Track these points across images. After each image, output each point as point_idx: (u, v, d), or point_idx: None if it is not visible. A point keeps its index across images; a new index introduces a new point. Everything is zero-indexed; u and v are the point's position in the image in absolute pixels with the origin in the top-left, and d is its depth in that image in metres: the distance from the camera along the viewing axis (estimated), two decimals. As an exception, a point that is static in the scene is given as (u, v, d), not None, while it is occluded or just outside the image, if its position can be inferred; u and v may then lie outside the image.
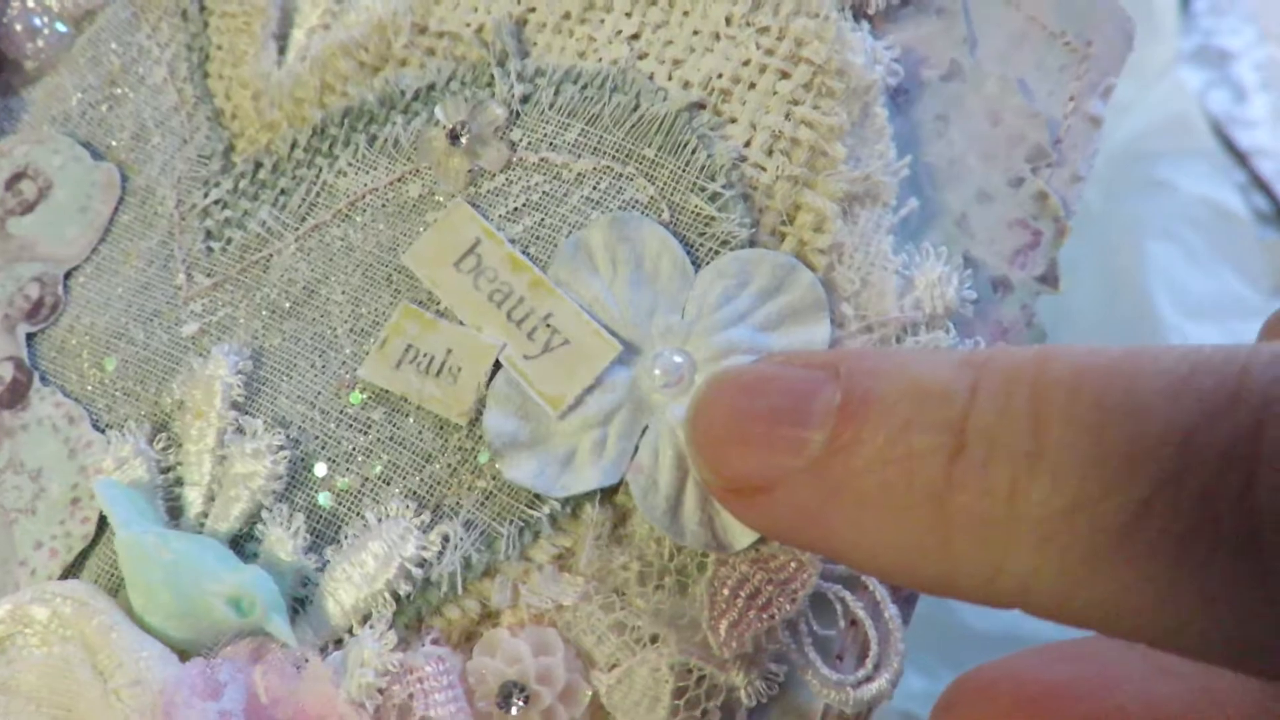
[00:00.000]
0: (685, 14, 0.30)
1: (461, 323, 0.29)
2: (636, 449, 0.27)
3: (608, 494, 0.27)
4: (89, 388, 0.32)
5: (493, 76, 0.31)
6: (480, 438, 0.28)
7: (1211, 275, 0.53)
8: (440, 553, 0.27)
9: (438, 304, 0.30)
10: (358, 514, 0.28)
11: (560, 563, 0.27)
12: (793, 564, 0.27)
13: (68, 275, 0.34)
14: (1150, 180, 0.52)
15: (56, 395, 0.32)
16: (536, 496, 0.27)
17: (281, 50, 0.35)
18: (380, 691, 0.25)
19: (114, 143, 0.35)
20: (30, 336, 0.33)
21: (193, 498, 0.29)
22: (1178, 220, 0.56)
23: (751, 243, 0.28)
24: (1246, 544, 0.17)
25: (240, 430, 0.29)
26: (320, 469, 0.29)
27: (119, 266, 0.33)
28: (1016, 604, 0.20)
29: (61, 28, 0.37)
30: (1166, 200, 0.56)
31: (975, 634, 0.43)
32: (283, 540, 0.28)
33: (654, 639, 0.26)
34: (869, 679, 0.27)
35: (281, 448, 0.29)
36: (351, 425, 0.29)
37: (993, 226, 0.31)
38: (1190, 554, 0.17)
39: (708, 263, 0.28)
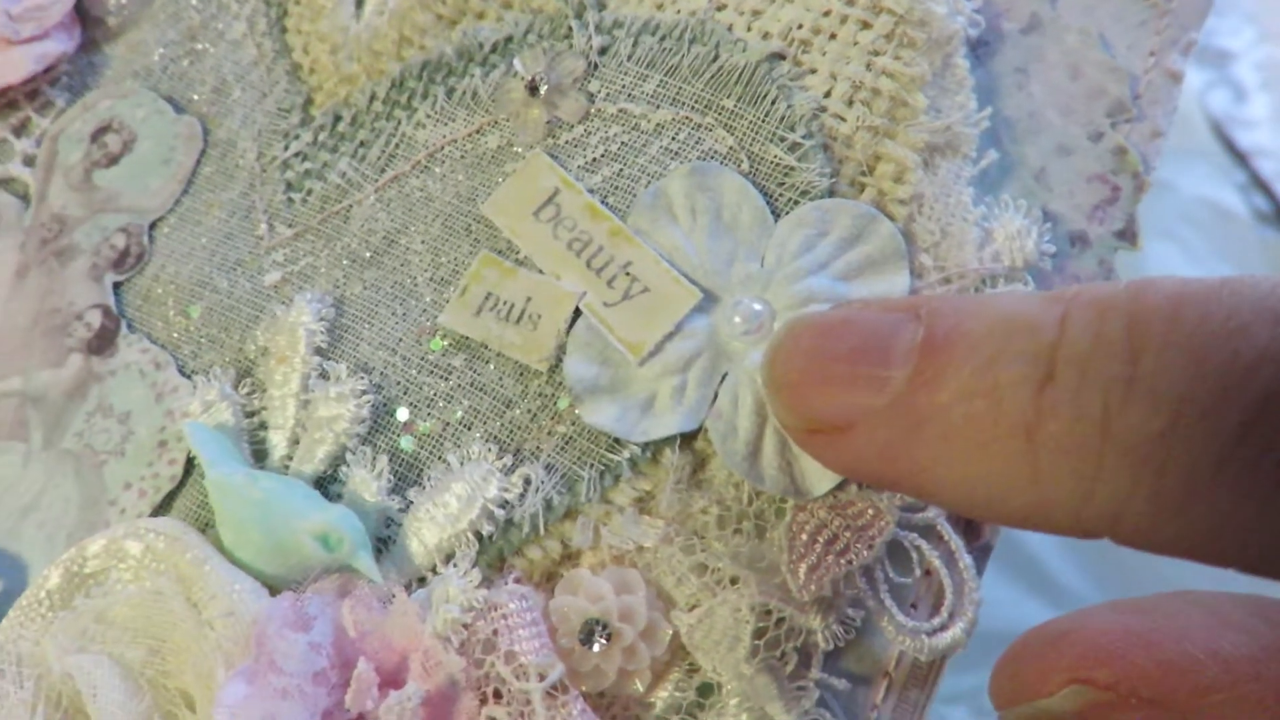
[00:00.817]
0: (765, -35, 0.30)
1: (541, 271, 0.29)
2: (716, 395, 0.27)
3: (687, 439, 0.27)
4: (174, 335, 0.33)
5: (570, 29, 0.32)
6: (560, 384, 0.29)
7: (1211, 275, 0.52)
8: (522, 495, 0.27)
9: (517, 253, 0.30)
10: (439, 457, 0.29)
11: (640, 505, 0.27)
12: (870, 511, 0.27)
13: (152, 226, 0.34)
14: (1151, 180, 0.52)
15: (143, 342, 0.33)
16: (616, 441, 0.28)
17: (359, 4, 0.35)
18: (465, 627, 0.26)
19: (195, 97, 0.36)
20: (116, 285, 0.34)
21: (277, 441, 0.30)
22: (1178, 220, 0.55)
23: (831, 193, 0.28)
24: None
25: (324, 375, 0.30)
26: (402, 413, 0.29)
27: (201, 217, 0.34)
28: (1106, 532, 0.20)
29: (143, -15, 0.37)
30: (1166, 200, 0.56)
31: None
32: (366, 482, 0.28)
33: (734, 580, 0.26)
34: (943, 627, 0.27)
35: (364, 392, 0.29)
36: (433, 371, 0.30)
37: (1071, 180, 0.31)
38: None
39: (787, 212, 0.28)
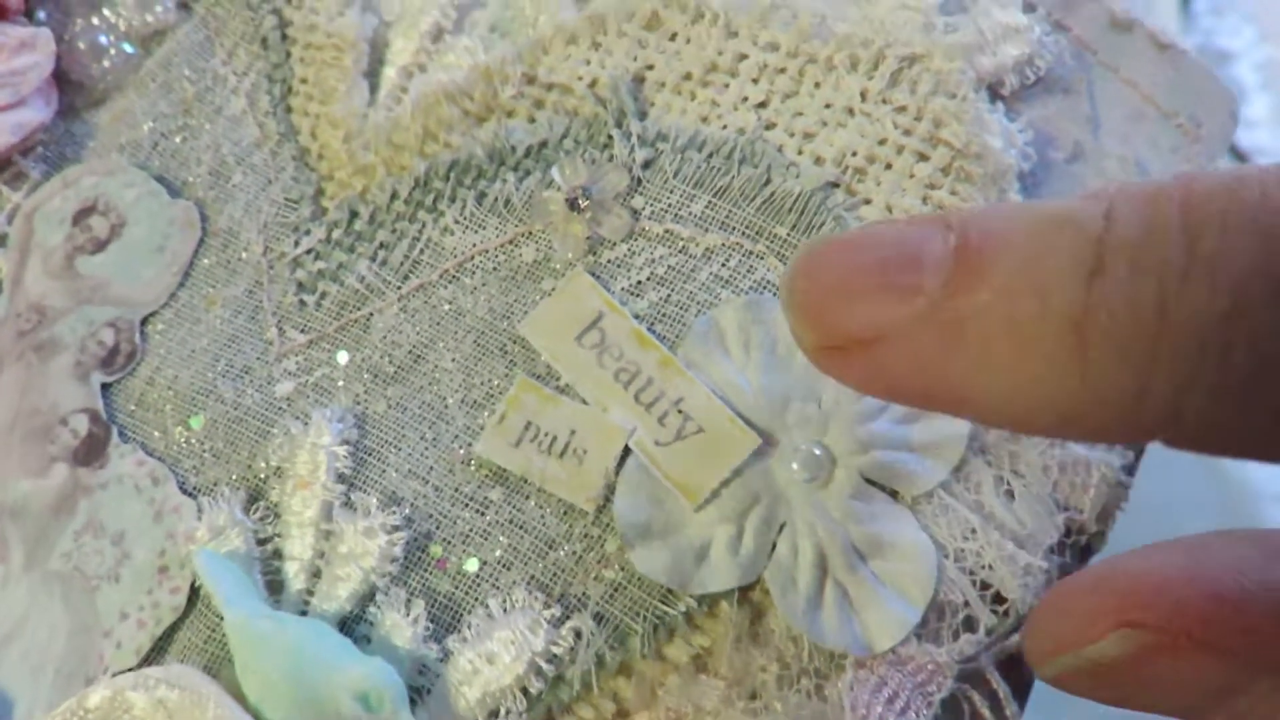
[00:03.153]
0: (816, 85, 0.30)
1: (585, 401, 0.28)
2: (774, 544, 0.27)
3: (743, 589, 0.27)
4: (174, 447, 0.30)
5: (610, 137, 0.30)
6: (607, 524, 0.27)
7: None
8: (572, 648, 0.26)
9: (557, 378, 0.29)
10: (479, 601, 0.27)
11: (697, 662, 0.26)
12: (930, 666, 0.26)
13: (144, 322, 0.32)
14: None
15: (138, 453, 0.30)
16: (670, 591, 0.27)
17: (372, 88, 0.33)
18: (518, 796, 0.25)
19: (190, 178, 0.33)
20: (105, 387, 0.31)
21: (294, 572, 0.28)
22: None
23: (891, 333, 0.28)
24: None
25: (350, 505, 0.28)
26: (436, 550, 0.28)
27: (201, 315, 0.31)
28: (1163, 431, 0.19)
29: (129, 48, 0.34)
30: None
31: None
32: (400, 627, 0.27)
33: (796, 744, 0.26)
34: (989, 774, 0.27)
35: (397, 528, 0.28)
36: (468, 504, 0.28)
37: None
38: None
39: (845, 351, 0.28)
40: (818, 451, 0.27)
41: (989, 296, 0.19)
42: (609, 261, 0.29)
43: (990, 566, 0.27)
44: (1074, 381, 0.19)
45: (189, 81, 0.34)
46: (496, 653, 0.26)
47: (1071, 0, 0.31)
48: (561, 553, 0.27)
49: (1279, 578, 0.22)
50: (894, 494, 0.27)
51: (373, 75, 0.33)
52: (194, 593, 0.29)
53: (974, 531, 0.27)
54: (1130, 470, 0.30)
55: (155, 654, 0.28)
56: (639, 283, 0.29)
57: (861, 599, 0.26)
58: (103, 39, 0.34)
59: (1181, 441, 0.19)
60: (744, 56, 0.30)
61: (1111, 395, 0.19)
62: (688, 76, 0.31)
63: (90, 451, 0.31)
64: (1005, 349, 0.19)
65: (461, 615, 0.27)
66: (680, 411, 0.27)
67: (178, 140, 0.33)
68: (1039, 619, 0.24)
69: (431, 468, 0.29)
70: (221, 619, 0.28)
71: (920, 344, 0.20)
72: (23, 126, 0.33)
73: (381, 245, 0.31)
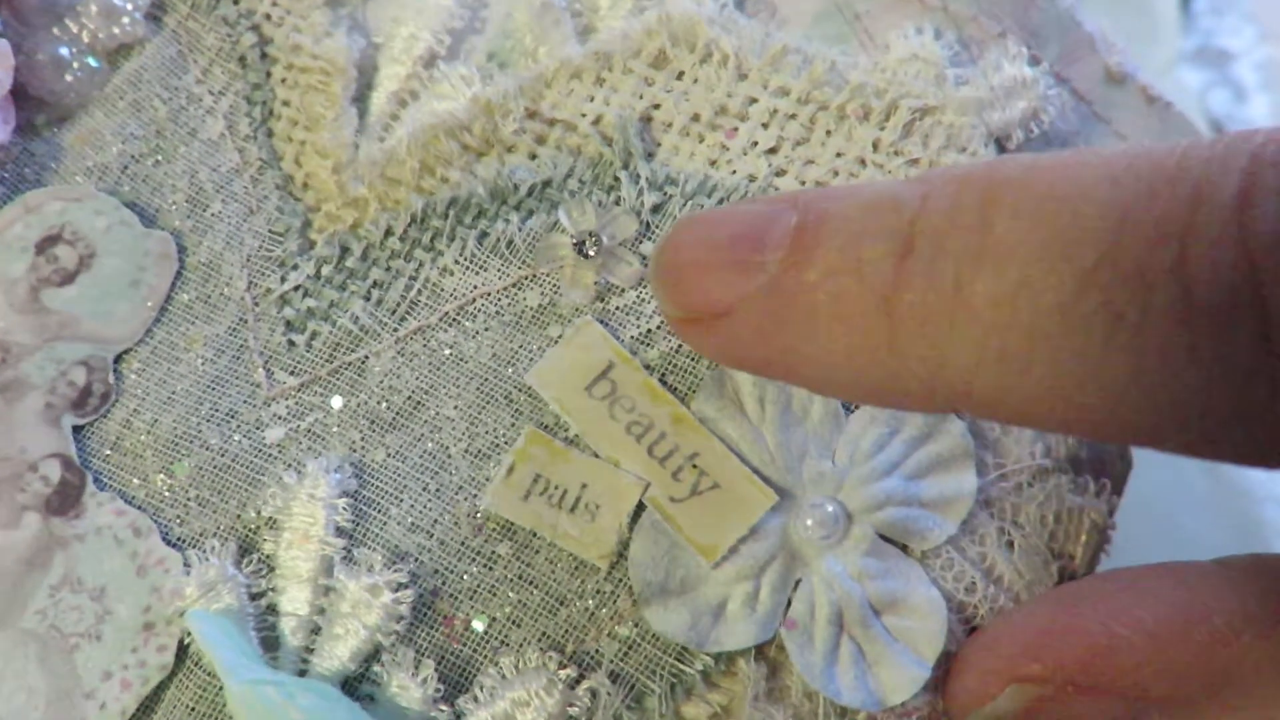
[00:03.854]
0: (828, 133, 0.29)
1: (595, 453, 0.28)
2: (789, 601, 0.27)
3: (759, 646, 0.27)
4: (155, 495, 0.29)
5: (616, 178, 0.30)
6: (620, 579, 0.27)
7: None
8: (589, 709, 0.26)
9: (566, 429, 0.28)
10: (490, 659, 0.27)
11: (715, 721, 0.26)
12: (929, 714, 0.27)
13: (117, 359, 0.30)
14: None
15: (116, 502, 0.29)
16: (685, 649, 0.26)
17: (360, 113, 0.32)
18: None
19: (165, 205, 0.31)
20: (77, 430, 0.29)
21: (291, 629, 0.27)
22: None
23: (903, 389, 0.28)
24: (1178, 311, 0.18)
25: (351, 560, 0.27)
26: (444, 607, 0.27)
27: (181, 355, 0.30)
28: (960, 403, 0.21)
29: (93, 62, 0.32)
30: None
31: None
32: (408, 688, 0.26)
33: (815, 804, 0.26)
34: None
35: (403, 585, 0.27)
36: (475, 559, 0.28)
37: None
38: (1125, 324, 0.18)
39: (857, 405, 0.28)
40: (834, 509, 0.27)
41: (815, 276, 0.21)
42: (618, 309, 0.29)
43: (986, 618, 0.28)
44: (883, 354, 0.21)
45: (161, 100, 0.32)
46: (510, 714, 0.26)
47: (1072, 52, 0.32)
48: (574, 609, 0.27)
49: (1148, 618, 0.24)
50: (904, 548, 0.27)
51: (359, 99, 0.32)
52: (181, 650, 0.28)
53: (975, 585, 0.27)
54: (1111, 512, 0.31)
55: (141, 715, 0.27)
56: (649, 332, 0.28)
57: (875, 655, 0.26)
58: (65, 52, 0.32)
59: (976, 410, 0.21)
60: (754, 100, 0.30)
61: (914, 367, 0.20)
62: (696, 118, 0.30)
63: (64, 500, 0.29)
64: (826, 324, 0.21)
65: (472, 675, 0.27)
66: (695, 467, 0.27)
67: (150, 164, 0.32)
68: (951, 678, 0.27)
69: (436, 521, 0.28)
70: (213, 676, 0.27)
71: (761, 318, 0.22)
72: (-19, 148, 0.30)
73: (375, 284, 0.30)
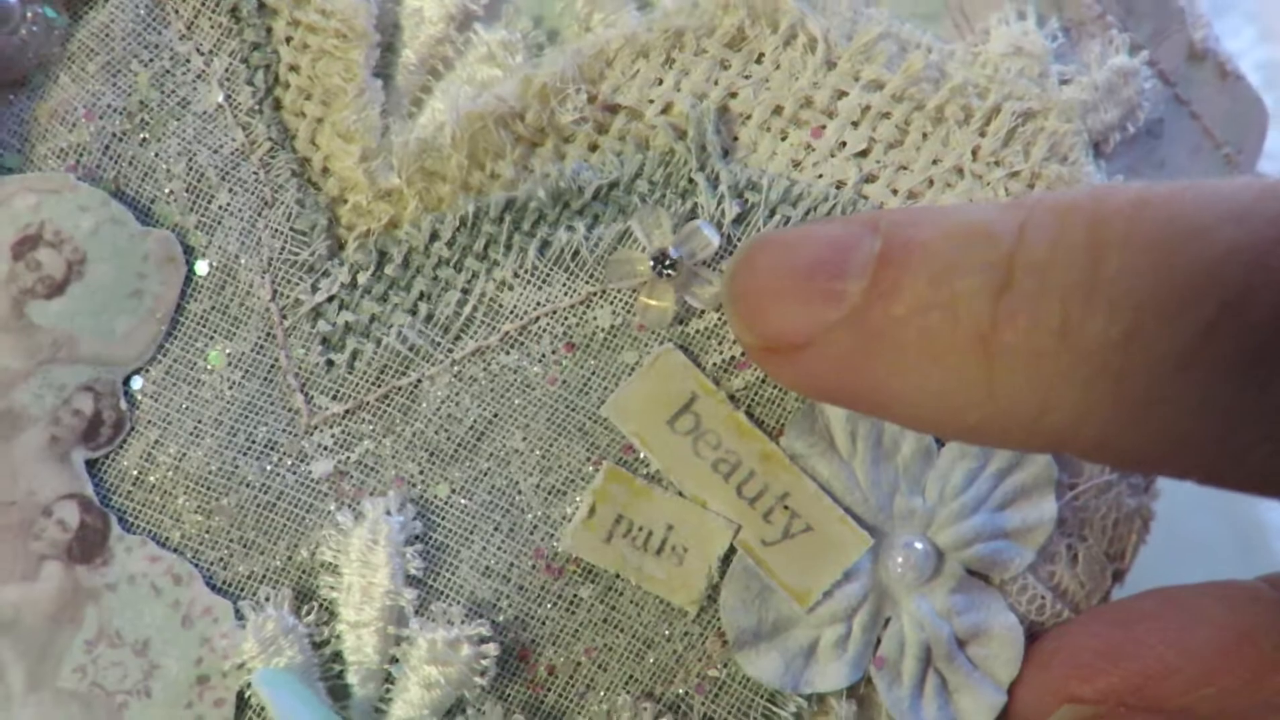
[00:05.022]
0: (924, 136, 0.27)
1: (679, 491, 0.26)
2: (878, 640, 0.27)
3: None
4: (192, 538, 0.26)
5: (691, 180, 0.27)
6: (708, 622, 0.26)
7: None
8: (686, 758, 0.26)
9: (646, 466, 0.26)
10: (577, 706, 0.26)
11: (807, 759, 0.27)
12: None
13: (126, 381, 0.26)
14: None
15: (149, 546, 0.26)
16: (776, 690, 0.26)
17: (384, 79, 0.27)
18: None
19: (161, 196, 0.27)
20: (90, 465, 0.26)
21: (361, 680, 0.26)
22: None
23: (993, 420, 0.27)
24: None
25: (426, 612, 0.26)
26: (531, 659, 0.26)
27: (203, 376, 0.26)
28: (1063, 445, 0.20)
29: (49, 12, 0.26)
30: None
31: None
32: (497, 742, 0.25)
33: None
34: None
35: (486, 639, 0.26)
36: (555, 603, 0.26)
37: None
38: (1255, 376, 0.17)
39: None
40: (924, 548, 0.26)
41: (904, 310, 0.20)
42: (698, 333, 0.27)
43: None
44: (981, 394, 0.20)
45: (140, 63, 0.27)
46: (607, 766, 0.26)
47: (1164, 29, 0.30)
48: (661, 652, 0.26)
49: (1196, 642, 0.25)
50: (984, 578, 0.28)
51: (381, 66, 0.28)
52: (240, 700, 0.26)
53: (1045, 605, 0.28)
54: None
55: (205, 771, 0.26)
56: (732, 359, 0.27)
57: (956, 684, 0.27)
58: (12, 1, 0.26)
59: (1082, 454, 0.21)
60: (843, 94, 0.27)
61: (1015, 409, 0.19)
62: (777, 110, 0.27)
63: (87, 546, 0.26)
64: (918, 361, 0.20)
65: (558, 721, 0.26)
66: (787, 508, 0.26)
67: (136, 144, 0.27)
68: (1013, 693, 0.27)
69: (512, 564, 0.26)
70: (277, 727, 0.26)
71: (844, 350, 0.21)
72: (-71, 133, 0.25)
73: (422, 296, 0.27)
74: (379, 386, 0.27)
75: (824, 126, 0.27)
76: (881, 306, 0.20)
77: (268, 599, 0.26)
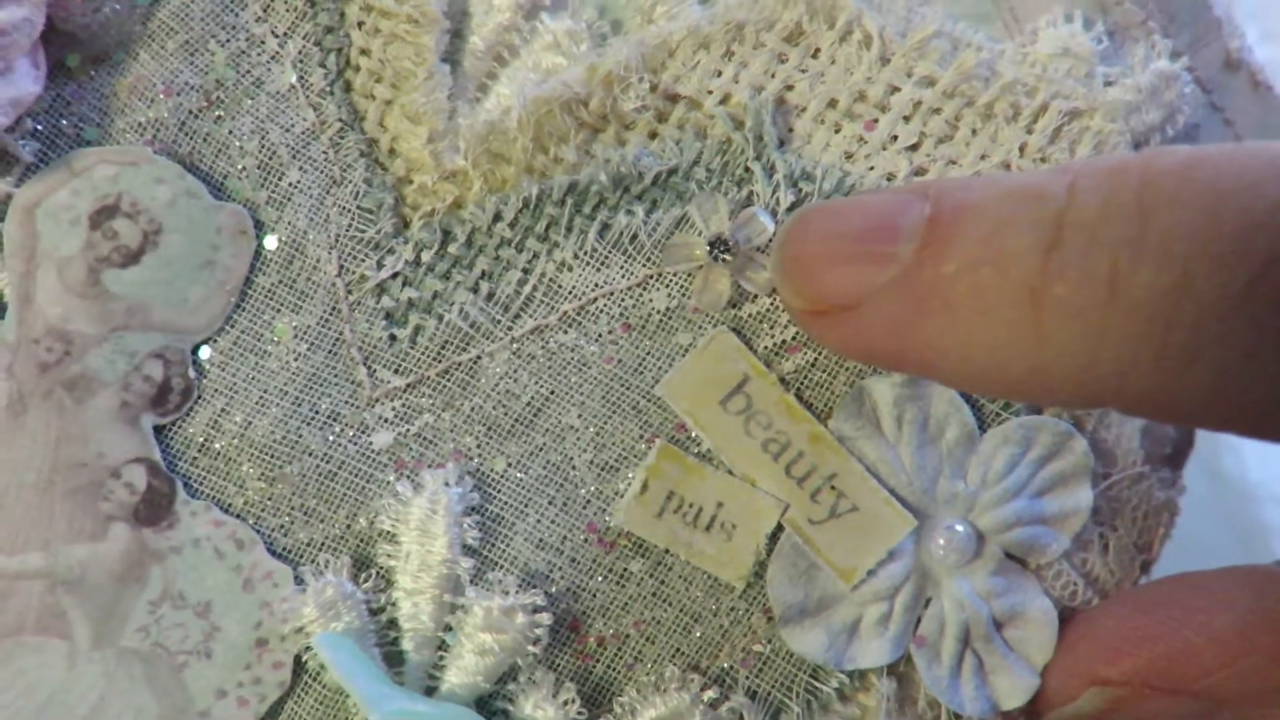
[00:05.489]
0: (974, 131, 0.28)
1: (730, 470, 0.27)
2: (918, 619, 0.27)
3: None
4: (255, 504, 0.27)
5: (747, 170, 0.28)
6: (754, 598, 0.27)
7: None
8: (732, 729, 0.26)
9: (698, 444, 0.27)
10: (629, 678, 0.27)
11: (849, 734, 0.27)
12: (1020, 715, 0.28)
13: (194, 350, 0.27)
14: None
15: (213, 512, 0.27)
16: (819, 666, 0.27)
17: (452, 65, 0.28)
18: None
19: (233, 172, 0.28)
20: (158, 431, 0.27)
21: (415, 647, 0.27)
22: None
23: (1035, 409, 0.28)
24: None
25: (483, 580, 0.26)
26: (582, 628, 0.27)
27: (269, 348, 0.27)
28: (1111, 398, 0.20)
29: (132, -8, 0.27)
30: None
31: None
32: (546, 710, 0.26)
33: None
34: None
35: (540, 608, 0.26)
36: (606, 576, 0.27)
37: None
38: None
39: (992, 425, 0.28)
40: (966, 530, 0.27)
41: (954, 268, 0.21)
42: (751, 317, 0.27)
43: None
44: (1029, 348, 0.20)
45: (217, 43, 0.28)
46: (655, 735, 0.26)
47: (1202, 37, 0.31)
48: (709, 627, 0.27)
49: (1219, 625, 0.25)
50: (1022, 562, 0.28)
51: (449, 52, 0.29)
52: (298, 664, 0.27)
53: (1077, 591, 0.29)
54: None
55: (267, 734, 0.27)
56: (783, 343, 0.27)
57: (993, 665, 0.28)
58: (97, -22, 0.27)
59: (1127, 407, 0.21)
60: (896, 89, 0.28)
61: (1063, 362, 0.20)
62: (832, 104, 0.28)
63: (154, 509, 0.27)
64: (969, 316, 0.21)
65: (605, 691, 0.27)
66: (834, 488, 0.27)
67: (211, 121, 0.28)
68: (1042, 677, 0.27)
69: (565, 537, 0.27)
70: (333, 691, 0.27)
71: (893, 310, 0.22)
72: (17, 103, 0.26)
73: (484, 275, 0.28)
74: (440, 362, 0.27)
75: (877, 120, 0.28)
76: (932, 265, 0.21)
77: (327, 565, 0.27)
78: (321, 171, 0.28)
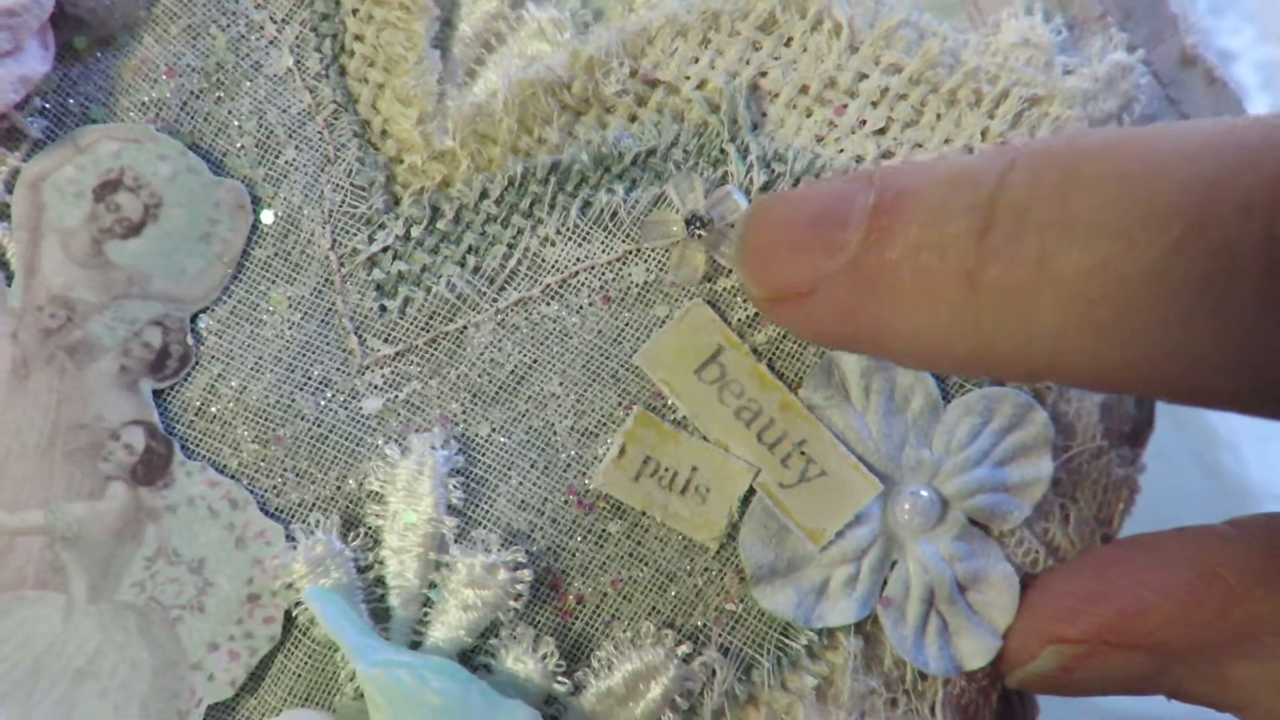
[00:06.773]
0: (938, 116, 0.29)
1: (704, 436, 0.28)
2: (884, 581, 0.28)
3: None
4: (249, 466, 0.28)
5: (723, 151, 0.29)
6: (727, 559, 0.28)
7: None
8: (705, 682, 0.28)
9: (674, 411, 0.28)
10: (606, 634, 0.28)
11: (817, 691, 0.28)
12: (990, 673, 0.30)
13: (193, 319, 0.28)
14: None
15: (208, 472, 0.28)
16: (789, 624, 0.28)
17: (441, 51, 0.30)
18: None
19: (232, 150, 0.29)
20: (157, 395, 0.28)
21: (401, 604, 0.28)
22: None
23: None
24: (1266, 279, 0.18)
25: (466, 539, 0.28)
26: (560, 585, 0.28)
27: (264, 317, 0.28)
28: (1046, 373, 0.22)
29: (137, -23, 0.29)
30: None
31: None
32: (526, 662, 0.27)
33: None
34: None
35: (521, 564, 0.27)
36: (585, 537, 0.28)
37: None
38: (1212, 293, 0.19)
39: (956, 395, 0.29)
40: (930, 496, 0.28)
41: (897, 255, 0.22)
42: (725, 290, 0.29)
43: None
44: (968, 328, 0.21)
45: (219, 27, 0.29)
46: (631, 687, 0.27)
47: (1159, 34, 0.32)
48: (683, 586, 0.28)
49: (1170, 581, 0.27)
50: (984, 528, 0.29)
51: (438, 39, 0.30)
52: (288, 619, 0.28)
53: (1038, 558, 0.30)
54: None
55: (251, 683, 0.28)
56: (756, 315, 0.29)
57: (956, 626, 0.29)
58: (105, -36, 0.28)
59: (1064, 378, 0.22)
60: (865, 76, 0.29)
61: (1000, 340, 0.21)
62: (804, 89, 0.29)
63: (151, 469, 0.28)
64: (913, 300, 0.22)
65: (584, 647, 0.28)
66: (803, 454, 0.28)
67: (211, 102, 0.29)
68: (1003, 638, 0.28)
69: (546, 499, 0.28)
70: (322, 645, 0.28)
71: (844, 295, 0.23)
72: (26, 81, 0.27)
73: (470, 249, 0.29)
74: (428, 331, 0.29)
75: (846, 105, 0.29)
76: (877, 252, 0.22)
77: (318, 524, 0.28)
78: (316, 150, 0.29)
